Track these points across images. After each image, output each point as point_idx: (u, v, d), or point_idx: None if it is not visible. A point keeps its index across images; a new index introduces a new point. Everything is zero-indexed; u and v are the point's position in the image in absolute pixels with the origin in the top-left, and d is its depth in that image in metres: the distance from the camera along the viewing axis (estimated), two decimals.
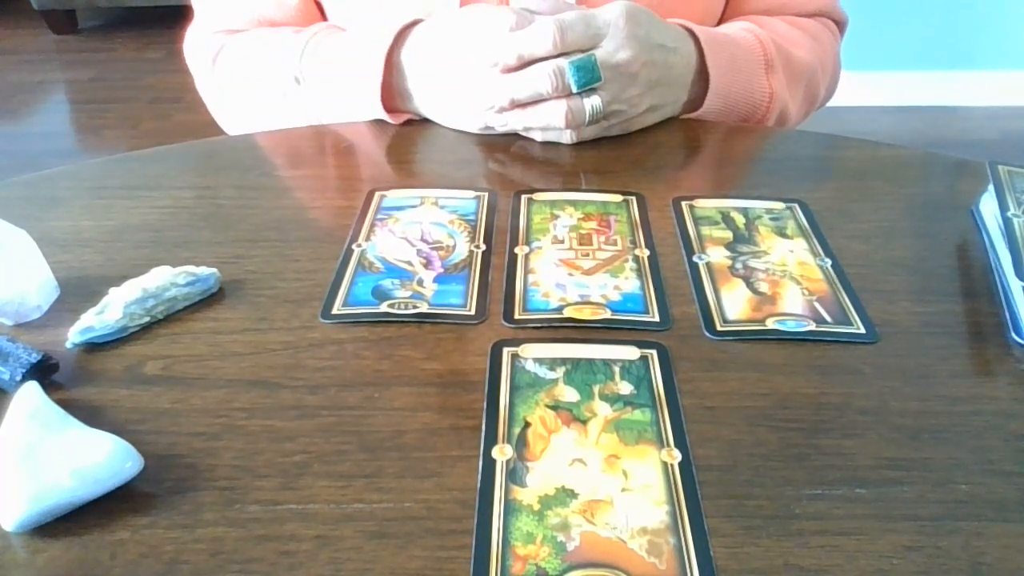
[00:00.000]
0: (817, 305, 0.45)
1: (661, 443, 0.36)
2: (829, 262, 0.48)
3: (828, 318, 0.44)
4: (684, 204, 0.54)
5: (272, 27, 0.72)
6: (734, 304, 0.45)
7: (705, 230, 0.51)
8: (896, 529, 0.33)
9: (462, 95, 0.61)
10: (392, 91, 0.63)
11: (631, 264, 0.48)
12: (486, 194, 0.55)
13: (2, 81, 2.66)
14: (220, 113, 0.78)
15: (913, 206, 0.55)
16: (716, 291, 0.46)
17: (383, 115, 0.63)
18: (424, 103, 0.63)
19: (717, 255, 0.49)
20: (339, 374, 0.40)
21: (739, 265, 0.48)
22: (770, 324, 0.43)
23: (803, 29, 0.73)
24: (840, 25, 0.79)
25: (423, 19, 0.63)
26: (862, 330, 0.43)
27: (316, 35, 0.66)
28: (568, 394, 0.39)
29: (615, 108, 0.59)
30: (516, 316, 0.44)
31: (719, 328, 0.43)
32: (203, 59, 0.74)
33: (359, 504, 0.34)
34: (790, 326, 0.43)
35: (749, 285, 0.46)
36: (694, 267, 0.48)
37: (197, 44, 0.76)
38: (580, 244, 0.50)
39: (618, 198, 0.55)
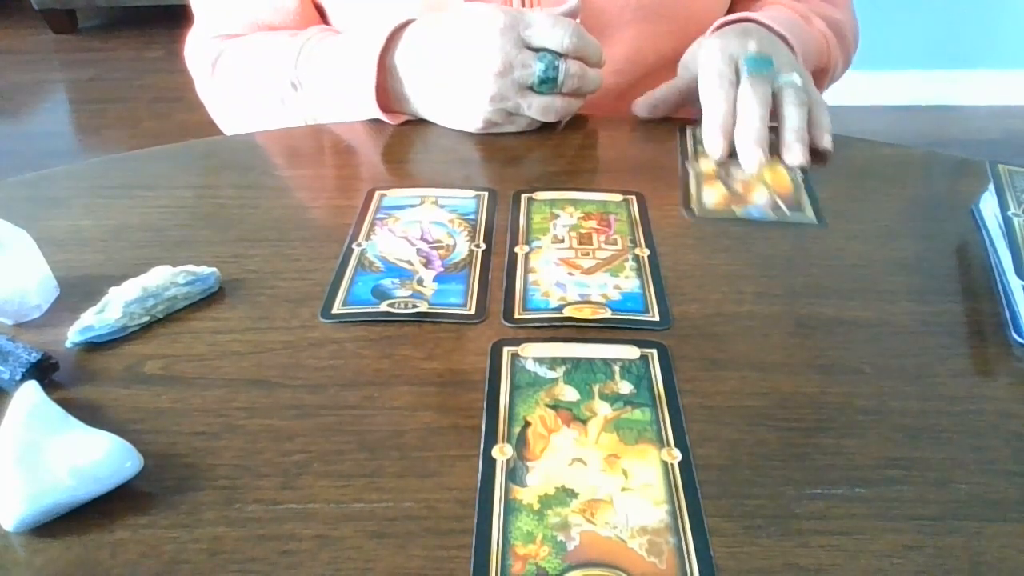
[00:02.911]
0: (778, 200, 0.54)
1: (661, 443, 0.36)
2: (801, 175, 0.57)
3: (786, 210, 0.53)
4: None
5: (270, 31, 0.72)
6: (711, 196, 0.55)
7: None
8: (896, 529, 0.33)
9: (458, 95, 0.61)
10: (388, 94, 0.63)
11: (631, 263, 0.48)
12: (486, 193, 0.55)
13: (2, 81, 2.66)
14: (221, 118, 0.78)
15: (913, 206, 0.55)
16: (699, 186, 0.55)
17: (381, 117, 0.63)
18: (420, 104, 0.63)
19: (708, 166, 0.58)
20: (339, 374, 0.40)
21: (723, 172, 0.57)
22: (738, 212, 0.53)
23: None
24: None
25: (414, 19, 0.63)
26: (813, 219, 0.52)
27: (310, 39, 0.66)
28: (568, 393, 0.39)
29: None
30: (516, 315, 0.44)
31: (697, 213, 0.53)
32: (202, 65, 0.74)
33: (359, 504, 0.34)
34: (755, 215, 0.53)
35: (726, 184, 0.56)
36: (686, 171, 0.57)
37: (196, 49, 0.76)
38: (580, 243, 0.50)
39: (618, 198, 0.55)
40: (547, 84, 0.58)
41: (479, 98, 0.59)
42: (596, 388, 0.39)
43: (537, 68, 0.57)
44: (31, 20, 2.99)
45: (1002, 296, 0.46)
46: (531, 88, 0.59)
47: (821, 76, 0.74)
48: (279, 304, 0.45)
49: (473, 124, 0.62)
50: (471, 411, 0.38)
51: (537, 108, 0.59)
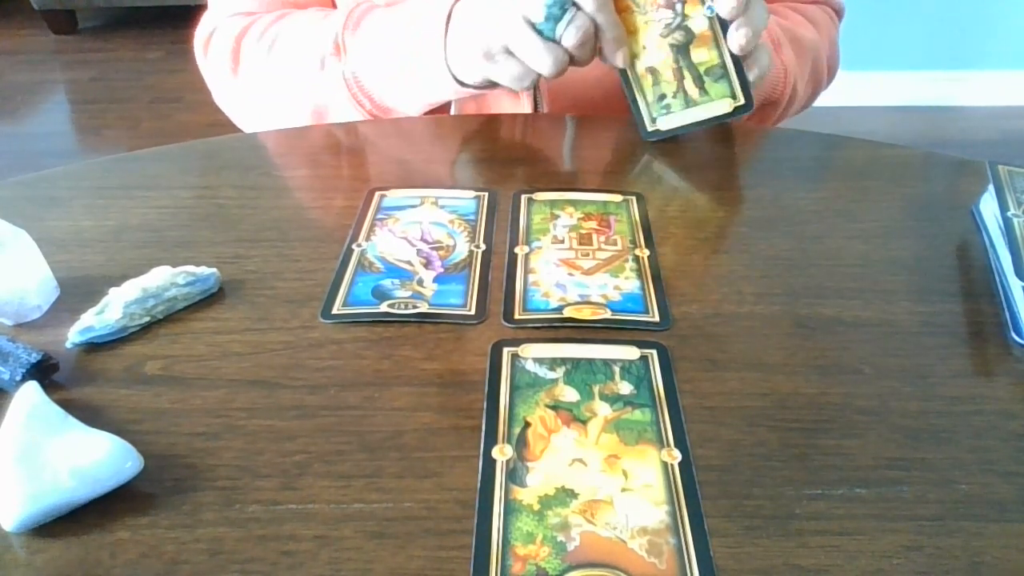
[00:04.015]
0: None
1: (661, 443, 0.36)
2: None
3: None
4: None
5: (295, 9, 0.69)
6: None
7: None
8: (896, 529, 0.33)
9: (470, 24, 0.58)
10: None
11: (631, 264, 0.48)
12: (486, 194, 0.55)
13: (2, 81, 2.66)
14: (239, 99, 0.74)
15: (913, 206, 0.55)
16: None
17: (454, 90, 0.61)
18: (450, 51, 0.60)
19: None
20: (339, 374, 0.40)
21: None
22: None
23: (802, 13, 0.75)
24: (839, 13, 0.80)
25: None
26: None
27: (359, 5, 0.64)
28: (568, 394, 0.39)
29: None
30: (516, 316, 0.44)
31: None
32: (222, 43, 0.70)
33: (359, 504, 0.34)
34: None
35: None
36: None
37: (215, 29, 0.72)
38: (580, 244, 0.50)
39: (618, 198, 0.55)
40: (550, 21, 0.54)
41: (486, 24, 0.56)
42: (596, 389, 0.39)
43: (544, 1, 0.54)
44: (31, 20, 2.99)
45: (1002, 297, 0.46)
46: (533, 28, 0.54)
47: (770, 108, 0.71)
48: (279, 305, 0.45)
49: (474, 56, 0.58)
50: (471, 412, 0.38)
51: (530, 51, 0.55)
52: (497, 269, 0.48)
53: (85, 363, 0.41)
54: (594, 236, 0.51)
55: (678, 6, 0.55)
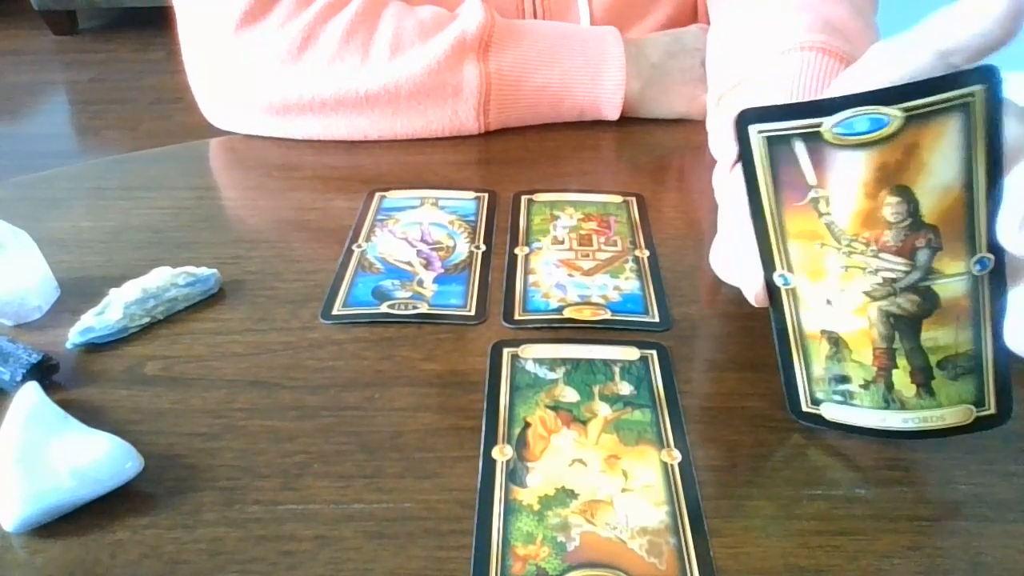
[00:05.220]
0: None
1: (661, 443, 0.36)
2: None
3: None
4: None
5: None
6: None
7: None
8: (896, 529, 0.33)
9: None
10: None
11: (631, 265, 0.48)
12: (486, 194, 0.55)
13: (2, 81, 2.66)
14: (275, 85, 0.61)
15: None
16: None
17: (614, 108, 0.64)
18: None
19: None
20: (339, 374, 0.40)
21: None
22: None
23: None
24: None
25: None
26: None
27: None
28: (568, 394, 0.39)
29: None
30: (516, 317, 0.44)
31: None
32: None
33: (359, 504, 0.34)
34: None
35: None
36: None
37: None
38: (580, 245, 0.50)
39: (618, 198, 0.55)
40: None
41: None
42: (596, 389, 0.39)
43: None
44: (31, 21, 3.00)
45: None
46: None
47: None
48: (279, 305, 0.45)
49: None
50: (471, 412, 0.38)
51: None
52: (497, 270, 0.48)
53: (85, 363, 0.41)
54: (594, 237, 0.51)
55: (921, 255, 0.31)
